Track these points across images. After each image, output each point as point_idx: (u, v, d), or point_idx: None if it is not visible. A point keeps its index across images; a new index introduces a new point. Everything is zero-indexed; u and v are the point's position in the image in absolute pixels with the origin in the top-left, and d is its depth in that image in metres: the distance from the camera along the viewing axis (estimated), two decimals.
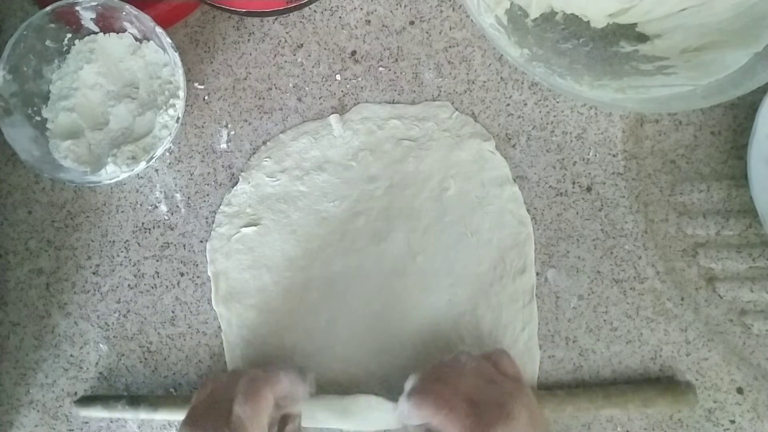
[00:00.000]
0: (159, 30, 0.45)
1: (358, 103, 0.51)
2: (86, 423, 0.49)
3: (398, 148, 0.50)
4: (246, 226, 0.49)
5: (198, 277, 0.50)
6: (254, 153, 0.50)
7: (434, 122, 0.50)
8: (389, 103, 0.51)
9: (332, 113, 0.50)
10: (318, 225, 0.49)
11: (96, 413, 0.48)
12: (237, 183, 0.50)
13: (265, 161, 0.50)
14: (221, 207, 0.50)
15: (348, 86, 0.51)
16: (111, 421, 0.49)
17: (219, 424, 0.41)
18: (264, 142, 0.51)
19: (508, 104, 0.50)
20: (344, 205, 0.49)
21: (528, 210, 0.49)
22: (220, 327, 0.49)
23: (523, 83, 0.50)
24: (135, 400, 0.48)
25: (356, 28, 0.51)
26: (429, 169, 0.49)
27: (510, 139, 0.50)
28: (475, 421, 0.39)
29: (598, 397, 0.45)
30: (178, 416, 0.46)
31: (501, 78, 0.50)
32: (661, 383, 0.47)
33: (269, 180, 0.50)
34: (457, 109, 0.50)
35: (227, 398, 0.42)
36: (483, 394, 0.40)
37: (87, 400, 0.49)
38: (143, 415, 0.47)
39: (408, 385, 0.42)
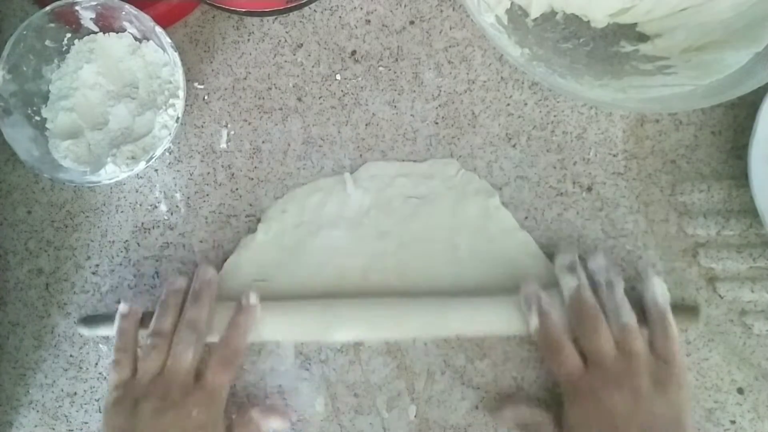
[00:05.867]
0: (158, 30, 0.45)
1: (359, 103, 0.51)
2: (86, 423, 0.49)
3: (406, 205, 0.49)
4: (258, 280, 0.49)
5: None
6: (269, 207, 0.50)
7: (440, 180, 0.49)
8: (397, 160, 0.50)
9: (342, 171, 0.50)
10: (334, 280, 0.49)
11: (100, 332, 0.48)
12: (255, 231, 0.49)
13: (283, 214, 0.50)
14: (237, 251, 0.49)
15: (348, 86, 0.51)
16: None
17: (180, 394, 0.42)
18: (279, 195, 0.50)
19: (509, 104, 0.50)
20: (358, 262, 0.49)
21: (528, 210, 0.49)
22: None
23: (523, 83, 0.50)
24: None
25: (356, 27, 0.51)
26: (437, 227, 0.49)
27: (510, 138, 0.50)
28: (581, 373, 0.42)
29: None
30: None
31: (501, 78, 0.50)
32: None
33: (286, 232, 0.49)
34: (462, 167, 0.50)
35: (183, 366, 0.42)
36: (608, 350, 0.42)
37: (90, 320, 0.48)
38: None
39: (533, 314, 0.44)
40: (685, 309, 0.46)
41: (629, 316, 0.43)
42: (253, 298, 0.45)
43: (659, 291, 0.44)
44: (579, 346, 0.43)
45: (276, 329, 0.47)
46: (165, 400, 0.42)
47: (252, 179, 0.51)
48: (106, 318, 0.48)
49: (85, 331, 0.49)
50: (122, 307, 0.46)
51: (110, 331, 0.47)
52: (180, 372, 0.43)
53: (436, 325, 0.46)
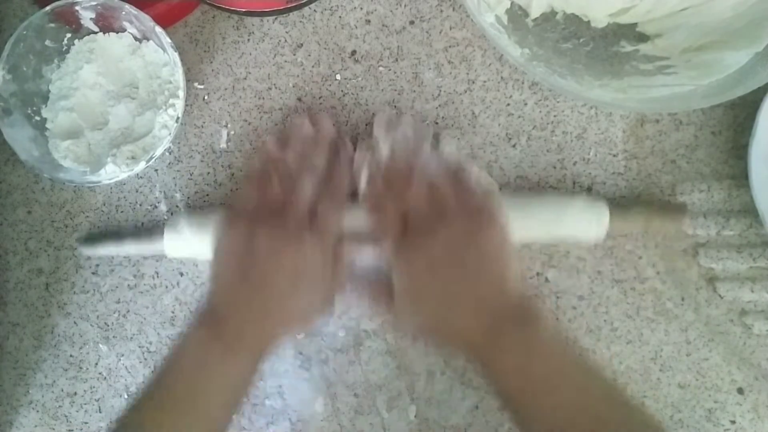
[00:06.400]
0: (158, 30, 0.45)
1: (359, 103, 0.51)
2: (86, 423, 0.49)
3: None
4: None
5: (198, 277, 0.50)
6: None
7: None
8: None
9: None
10: None
11: (105, 251, 0.48)
12: None
13: None
14: None
15: (348, 86, 0.51)
16: (110, 421, 0.49)
17: (296, 223, 0.42)
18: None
19: (509, 104, 0.50)
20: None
21: None
22: None
23: (523, 83, 0.50)
24: (137, 231, 0.48)
25: (356, 27, 0.51)
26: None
27: (510, 139, 0.50)
28: (403, 231, 0.43)
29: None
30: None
31: (501, 78, 0.50)
32: (655, 203, 0.48)
33: None
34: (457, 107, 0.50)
35: (301, 195, 0.44)
36: (422, 206, 0.43)
37: (94, 238, 0.49)
38: (146, 246, 0.48)
39: (362, 177, 0.46)
40: (671, 208, 0.47)
41: (435, 173, 0.44)
42: (349, 143, 0.48)
43: (450, 148, 0.47)
44: (399, 205, 0.44)
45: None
46: (282, 225, 0.42)
47: None
48: (111, 235, 0.48)
49: (88, 251, 0.49)
50: (271, 139, 0.47)
51: (116, 249, 0.48)
52: (299, 203, 0.44)
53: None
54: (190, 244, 0.47)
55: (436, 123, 0.50)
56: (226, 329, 0.40)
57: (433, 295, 0.42)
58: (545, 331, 0.40)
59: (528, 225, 0.46)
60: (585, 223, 0.46)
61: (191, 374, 0.40)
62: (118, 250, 0.48)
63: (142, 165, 0.45)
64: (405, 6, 0.51)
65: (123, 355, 0.50)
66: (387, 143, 0.46)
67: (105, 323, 0.50)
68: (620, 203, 0.48)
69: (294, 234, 0.42)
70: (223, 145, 0.51)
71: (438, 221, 0.42)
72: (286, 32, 0.51)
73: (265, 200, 0.44)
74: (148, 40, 0.48)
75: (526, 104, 0.50)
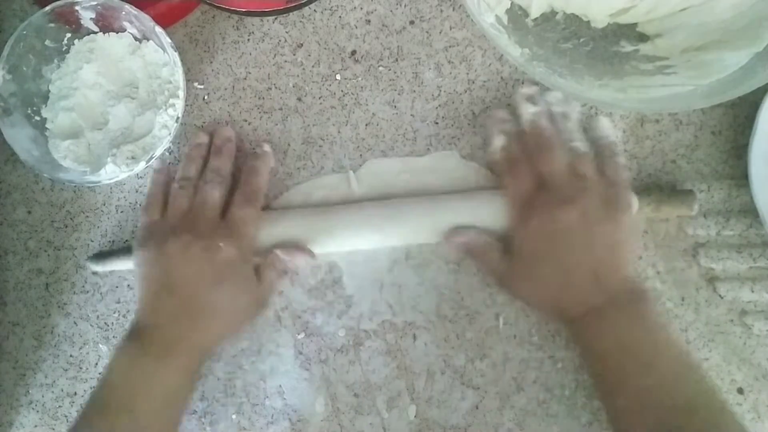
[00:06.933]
0: (158, 30, 0.45)
1: (359, 103, 0.51)
2: None
3: (410, 201, 0.49)
4: None
5: None
6: (275, 198, 0.50)
7: (443, 172, 0.50)
8: (399, 156, 0.50)
9: (347, 170, 0.50)
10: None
11: (114, 266, 0.49)
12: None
13: (285, 209, 0.49)
14: None
15: (348, 86, 0.51)
16: None
17: (207, 228, 0.43)
18: (277, 194, 0.50)
19: (509, 104, 0.50)
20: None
21: None
22: None
23: (523, 83, 0.50)
24: None
25: (356, 27, 0.51)
26: (442, 221, 0.48)
27: None
28: (533, 194, 0.43)
29: None
30: None
31: (501, 78, 0.50)
32: (666, 190, 0.48)
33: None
34: (463, 157, 0.50)
35: (209, 201, 0.45)
36: (562, 172, 0.43)
37: (104, 255, 0.49)
38: None
39: (495, 139, 0.47)
40: (678, 194, 0.47)
41: (581, 143, 0.45)
42: (267, 146, 0.49)
43: (607, 125, 0.47)
44: (535, 170, 0.44)
45: (283, 231, 0.47)
46: (193, 233, 0.43)
47: None
48: (120, 252, 0.48)
49: (98, 267, 0.49)
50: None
51: (124, 264, 0.48)
52: (207, 208, 0.45)
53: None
54: None
55: (436, 123, 0.50)
56: (152, 343, 0.42)
57: (554, 262, 0.43)
58: (651, 314, 0.41)
59: None
60: None
61: (122, 388, 0.41)
62: (126, 266, 0.49)
63: (142, 165, 0.46)
64: (405, 6, 0.51)
65: None
66: (530, 111, 0.46)
67: (105, 323, 0.50)
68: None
69: (206, 237, 0.43)
70: None
71: (578, 190, 0.43)
72: (286, 32, 0.51)
73: (173, 214, 0.45)
74: (148, 40, 0.48)
75: None
